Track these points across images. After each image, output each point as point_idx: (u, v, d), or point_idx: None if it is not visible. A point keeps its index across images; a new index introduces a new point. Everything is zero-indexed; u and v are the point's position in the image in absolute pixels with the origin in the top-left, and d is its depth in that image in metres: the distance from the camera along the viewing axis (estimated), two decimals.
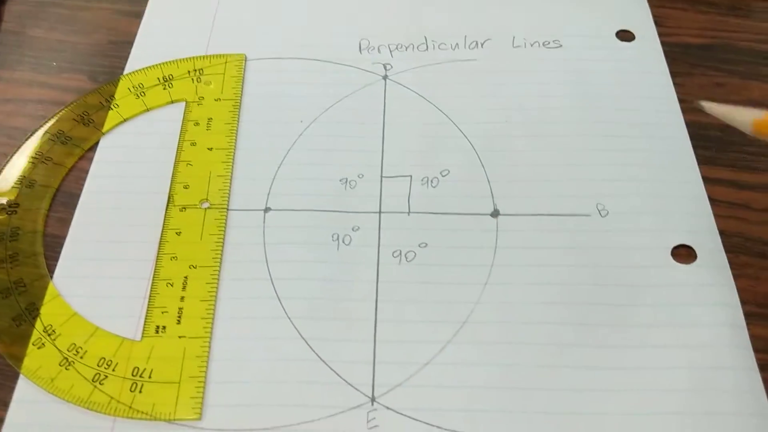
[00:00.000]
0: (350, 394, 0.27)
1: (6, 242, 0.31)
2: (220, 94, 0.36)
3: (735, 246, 0.30)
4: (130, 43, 0.39)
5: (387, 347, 0.28)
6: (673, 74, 0.37)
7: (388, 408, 0.27)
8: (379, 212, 0.32)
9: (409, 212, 0.32)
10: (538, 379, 0.27)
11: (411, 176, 0.33)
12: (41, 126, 0.35)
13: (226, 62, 0.37)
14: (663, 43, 0.38)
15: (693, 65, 0.37)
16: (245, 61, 0.38)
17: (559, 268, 0.30)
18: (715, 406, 0.26)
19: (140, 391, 0.27)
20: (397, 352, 0.28)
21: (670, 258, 0.30)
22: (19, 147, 0.34)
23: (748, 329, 0.28)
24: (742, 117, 0.26)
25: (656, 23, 0.39)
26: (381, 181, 0.33)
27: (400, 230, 0.31)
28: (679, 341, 0.28)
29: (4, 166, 0.33)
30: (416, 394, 0.27)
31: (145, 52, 0.38)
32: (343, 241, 0.31)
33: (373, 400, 0.27)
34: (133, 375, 0.27)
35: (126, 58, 0.38)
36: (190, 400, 0.27)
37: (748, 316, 0.28)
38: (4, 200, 0.32)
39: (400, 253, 0.31)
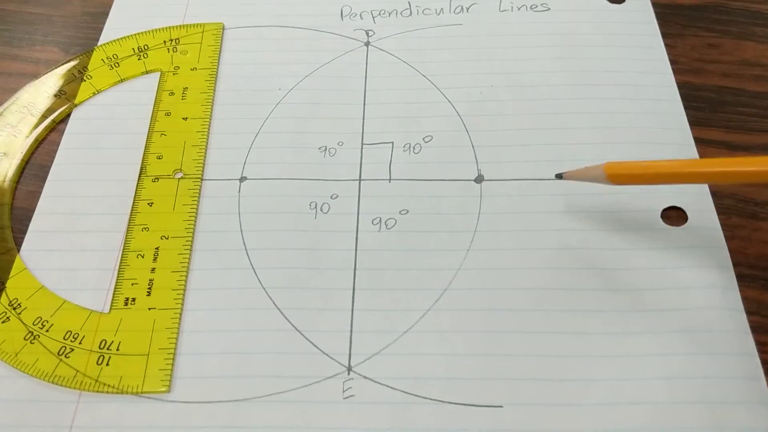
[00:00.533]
0: (326, 364, 0.26)
1: None
2: (197, 63, 0.35)
3: (727, 207, 0.29)
4: (106, 14, 0.37)
5: (365, 316, 0.27)
6: (665, 35, 0.35)
7: (364, 377, 0.26)
8: (359, 180, 0.31)
9: (390, 179, 0.31)
10: (521, 346, 0.26)
11: (393, 143, 0.32)
12: (11, 98, 0.34)
13: (203, 31, 0.36)
14: (654, 4, 0.37)
15: (684, 26, 0.36)
16: (223, 30, 0.36)
17: (545, 233, 0.29)
18: (706, 369, 0.25)
19: (107, 364, 0.26)
20: (375, 321, 0.27)
21: (660, 221, 0.29)
22: None
23: (740, 291, 0.27)
24: (596, 171, 0.26)
25: None
26: (362, 148, 0.32)
27: (380, 197, 0.30)
28: (670, 305, 0.26)
29: None
30: (394, 363, 0.26)
31: (121, 23, 0.37)
32: (321, 210, 0.30)
33: (349, 369, 0.26)
34: (100, 348, 0.26)
35: (101, 30, 0.37)
36: (159, 372, 0.26)
37: (740, 277, 0.27)
38: None
39: (380, 221, 0.29)
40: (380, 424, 0.25)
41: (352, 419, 0.25)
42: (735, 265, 0.27)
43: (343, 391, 0.25)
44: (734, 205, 0.29)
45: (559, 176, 0.28)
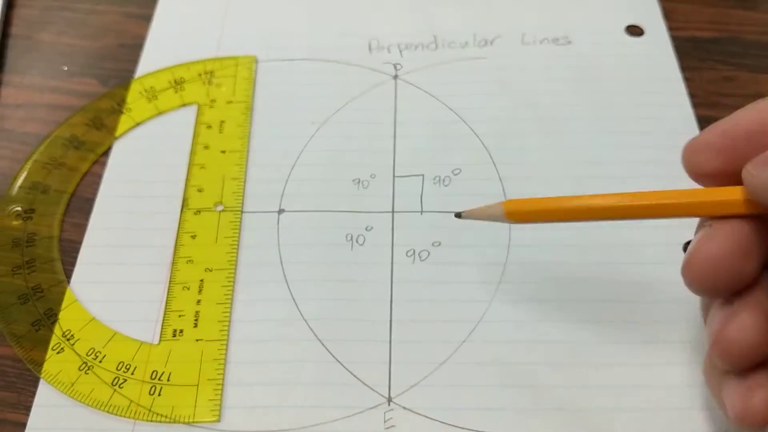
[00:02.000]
0: (367, 395, 0.27)
1: (23, 248, 0.31)
2: (232, 96, 0.36)
3: None
4: (141, 47, 0.39)
5: (403, 347, 0.28)
6: (683, 68, 0.37)
7: (404, 408, 0.27)
8: (392, 212, 0.32)
9: (421, 211, 0.32)
10: (551, 377, 0.27)
11: (423, 175, 0.33)
12: (54, 131, 0.35)
13: (237, 64, 0.37)
14: (672, 37, 0.38)
15: (702, 59, 0.37)
16: (256, 63, 0.38)
17: (571, 265, 0.30)
18: None
19: (159, 394, 0.27)
20: (413, 352, 0.28)
21: (682, 253, 0.30)
22: (32, 153, 0.34)
23: None
24: (494, 209, 0.25)
25: (665, 17, 0.39)
26: (393, 180, 0.33)
27: (413, 229, 0.32)
28: (692, 337, 0.28)
29: (19, 172, 0.33)
30: (432, 394, 0.27)
31: (156, 55, 0.38)
32: (357, 241, 0.31)
33: (389, 400, 0.27)
34: (151, 378, 0.28)
35: (136, 62, 0.38)
36: (208, 403, 0.27)
37: None
38: (19, 207, 0.32)
39: (414, 252, 0.31)
40: None
41: None
42: None
43: (384, 422, 0.27)
44: None
45: (458, 215, 0.27)
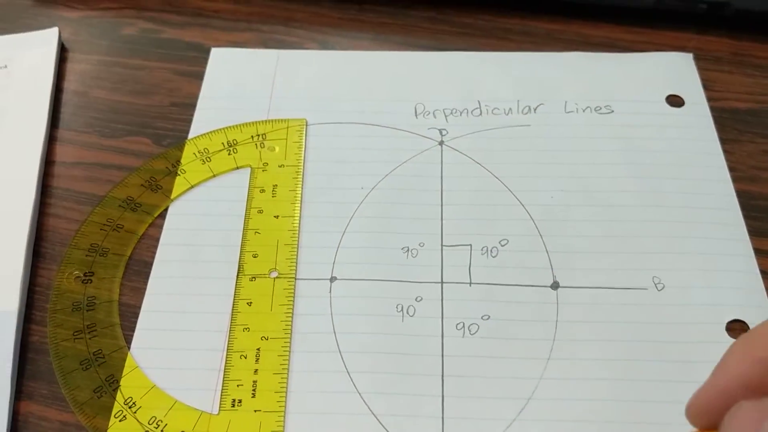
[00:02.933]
0: None
1: (83, 312, 0.32)
2: (284, 159, 0.37)
3: None
4: (192, 105, 0.40)
5: (455, 423, 0.29)
6: (722, 141, 0.38)
7: None
8: (441, 282, 0.33)
9: (470, 283, 0.33)
10: None
11: (471, 245, 0.34)
12: (109, 191, 0.36)
13: (287, 127, 0.38)
14: (711, 108, 0.39)
15: (741, 131, 0.38)
16: (306, 126, 0.39)
17: (618, 343, 0.31)
18: None
19: None
20: (465, 430, 0.29)
21: (725, 333, 0.31)
22: (89, 214, 0.35)
23: None
24: None
25: (704, 87, 0.40)
26: (442, 250, 0.34)
27: (462, 301, 0.32)
28: None
29: (77, 233, 0.34)
30: None
31: (208, 114, 0.39)
32: (408, 312, 0.32)
33: None
34: None
35: (188, 121, 0.39)
36: None
37: None
38: (78, 270, 0.33)
39: (464, 326, 0.32)
40: None
41: None
42: None
43: None
44: None
45: None
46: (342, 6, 0.45)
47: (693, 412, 0.23)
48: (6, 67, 0.41)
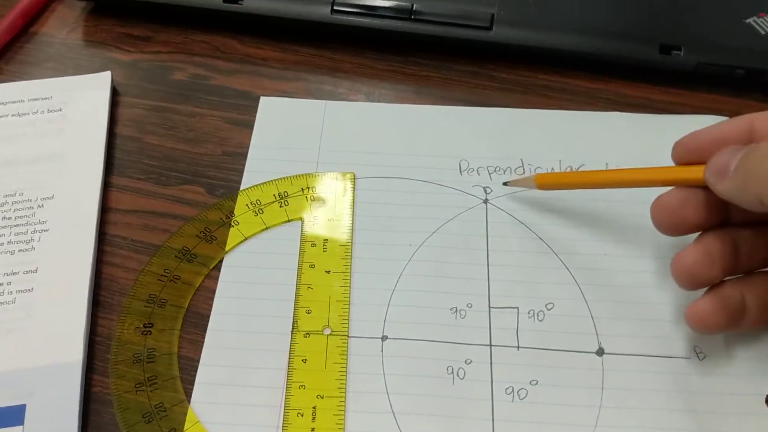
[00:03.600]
0: None
1: (143, 364, 0.33)
2: (333, 213, 0.38)
3: None
4: (242, 155, 0.41)
5: None
6: None
7: None
8: (490, 345, 0.34)
9: (518, 347, 0.34)
10: None
11: (518, 308, 0.35)
12: (166, 242, 0.37)
13: (337, 180, 0.39)
14: None
15: None
16: (354, 179, 0.40)
17: (661, 411, 0.32)
18: None
19: None
20: None
21: (764, 405, 0.32)
22: (146, 264, 0.36)
23: None
24: (528, 181, 0.37)
25: None
26: (489, 311, 0.35)
27: (511, 365, 0.33)
28: None
29: (135, 283, 0.35)
30: None
31: (258, 165, 0.41)
32: (458, 375, 0.33)
33: None
34: None
35: (239, 170, 0.40)
36: None
37: None
38: (138, 322, 0.34)
39: (513, 390, 0.33)
40: None
41: None
42: None
43: None
44: None
45: (505, 183, 0.38)
46: (386, 58, 0.46)
47: (681, 148, 0.32)
48: (61, 110, 0.42)
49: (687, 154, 0.31)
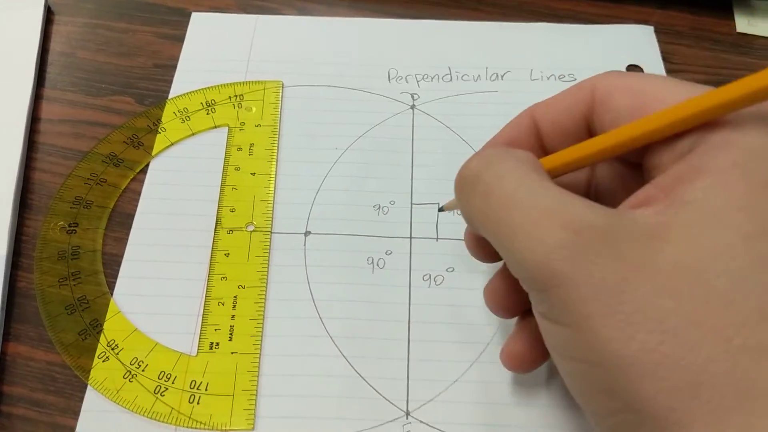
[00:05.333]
0: (387, 409, 0.30)
1: (68, 260, 0.34)
2: (260, 120, 0.39)
3: None
4: (173, 67, 0.41)
5: (419, 365, 0.31)
6: None
7: (421, 421, 0.30)
8: (410, 238, 0.35)
9: (437, 238, 0.35)
10: (553, 397, 0.30)
11: (438, 203, 0.36)
12: (93, 147, 0.38)
13: (264, 88, 0.40)
14: (667, 71, 0.41)
15: None
16: (282, 87, 0.40)
17: None
18: None
19: (198, 403, 0.30)
20: (429, 370, 0.31)
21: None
22: (74, 168, 0.37)
23: None
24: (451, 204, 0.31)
25: (663, 59, 0.42)
26: (411, 207, 0.36)
27: (429, 255, 0.34)
28: None
29: (62, 186, 0.36)
30: (446, 409, 0.30)
31: (188, 76, 0.41)
32: (378, 265, 0.34)
33: (407, 414, 0.30)
34: (191, 387, 0.30)
35: (169, 82, 0.41)
36: (243, 412, 0.30)
37: None
38: (63, 221, 0.35)
39: (430, 277, 0.34)
40: None
41: None
42: None
43: None
44: None
45: (441, 209, 0.34)
46: None
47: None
48: None
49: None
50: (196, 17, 0.44)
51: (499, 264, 0.29)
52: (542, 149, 0.26)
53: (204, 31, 0.43)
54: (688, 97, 0.21)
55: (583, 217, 0.20)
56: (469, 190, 0.24)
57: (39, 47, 0.42)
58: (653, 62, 0.42)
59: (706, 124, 0.20)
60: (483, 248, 0.28)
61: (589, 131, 0.25)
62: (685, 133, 0.21)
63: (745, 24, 0.44)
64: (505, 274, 0.27)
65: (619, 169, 0.26)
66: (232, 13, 0.44)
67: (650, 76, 0.23)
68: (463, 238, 0.29)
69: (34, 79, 0.40)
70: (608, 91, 0.24)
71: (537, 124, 0.26)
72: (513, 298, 0.26)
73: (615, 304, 0.19)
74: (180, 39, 0.43)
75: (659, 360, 0.18)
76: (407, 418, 0.30)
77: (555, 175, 0.25)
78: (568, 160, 0.24)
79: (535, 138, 0.26)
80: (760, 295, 0.18)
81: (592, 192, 0.27)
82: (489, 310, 0.28)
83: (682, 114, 0.21)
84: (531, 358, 0.27)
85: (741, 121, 0.20)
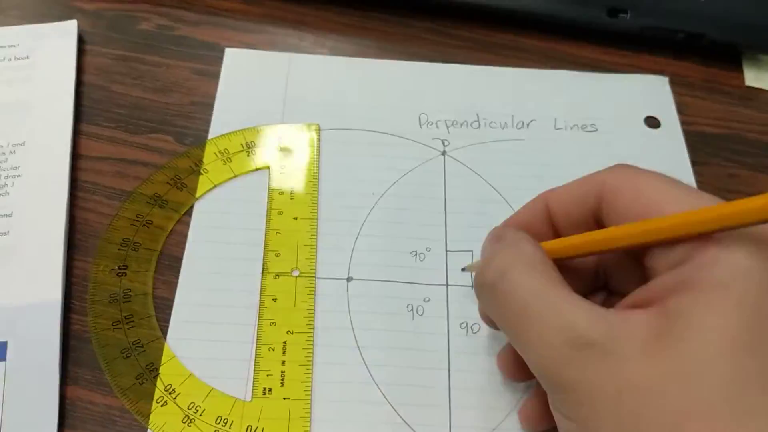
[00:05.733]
0: None
1: (120, 304, 0.35)
2: (300, 163, 0.40)
3: None
4: (209, 105, 0.42)
5: (461, 413, 0.33)
6: (693, 162, 0.42)
7: None
8: (446, 285, 0.37)
9: (472, 286, 0.37)
10: None
11: (472, 251, 0.38)
12: (137, 188, 0.39)
13: (302, 131, 0.41)
14: (683, 131, 0.43)
15: (710, 154, 0.43)
16: (319, 131, 0.42)
17: None
18: None
19: None
20: (471, 417, 0.33)
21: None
22: (119, 209, 0.38)
23: None
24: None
25: (678, 111, 0.44)
26: (446, 255, 0.38)
27: (465, 303, 0.36)
28: None
29: (109, 228, 0.37)
30: None
31: (226, 116, 0.42)
32: (417, 312, 0.36)
33: None
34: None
35: (207, 120, 0.42)
36: None
37: None
38: (113, 264, 0.36)
39: (467, 325, 0.36)
40: None
41: None
42: None
43: None
44: None
45: (464, 269, 0.37)
46: (348, 12, 0.48)
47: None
48: (28, 57, 0.43)
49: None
50: (229, 53, 0.45)
51: None
52: (553, 232, 0.30)
53: (238, 68, 0.44)
54: (687, 208, 0.23)
55: (586, 333, 0.23)
56: (487, 298, 0.28)
57: (75, 80, 0.42)
58: (669, 113, 0.44)
59: (701, 237, 0.23)
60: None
61: (597, 223, 0.28)
62: (681, 242, 0.24)
63: (753, 78, 0.47)
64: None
65: (624, 259, 0.29)
66: (263, 49, 0.45)
67: (657, 178, 0.26)
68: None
69: (74, 113, 0.41)
70: (615, 190, 0.27)
71: (549, 209, 0.29)
72: (523, 369, 0.29)
73: (610, 410, 0.22)
74: (214, 75, 0.44)
75: None
76: None
77: (560, 257, 0.28)
78: (570, 246, 0.27)
79: (546, 222, 0.30)
80: (740, 399, 0.21)
81: (600, 273, 0.30)
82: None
83: (676, 224, 0.24)
84: (545, 420, 0.30)
85: (733, 240, 0.22)
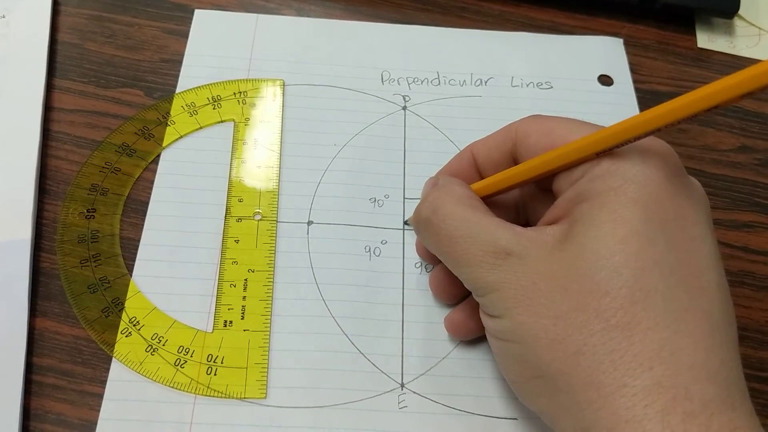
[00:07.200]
0: (384, 381, 0.34)
1: (88, 243, 0.37)
2: (264, 116, 0.42)
3: None
4: (178, 62, 0.44)
5: (412, 343, 0.35)
6: None
7: (414, 392, 0.34)
8: (403, 229, 0.39)
9: None
10: None
11: None
12: (107, 138, 0.40)
13: (267, 86, 0.43)
14: (636, 89, 0.45)
15: None
16: (283, 86, 0.43)
17: None
18: None
19: (215, 374, 0.33)
20: (421, 348, 0.35)
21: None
22: (89, 157, 0.39)
23: None
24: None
25: (631, 70, 0.46)
26: (404, 201, 0.40)
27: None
28: None
29: (78, 174, 0.39)
30: (436, 382, 0.34)
31: (193, 71, 0.44)
32: (374, 253, 0.38)
33: (402, 385, 0.34)
34: (208, 361, 0.34)
35: (175, 76, 0.43)
36: (256, 383, 0.33)
37: None
38: (82, 208, 0.37)
39: (421, 264, 0.37)
40: (427, 429, 0.33)
41: (405, 425, 0.33)
42: None
43: (398, 403, 0.33)
44: None
45: (406, 223, 0.39)
46: None
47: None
48: (4, 17, 0.44)
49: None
50: (199, 14, 0.46)
51: None
52: (479, 176, 0.34)
53: (207, 28, 0.46)
54: (584, 135, 0.27)
55: (506, 245, 0.27)
56: (423, 230, 0.31)
57: (49, 37, 0.44)
58: (622, 73, 0.46)
59: (595, 156, 0.27)
60: (429, 255, 0.35)
61: (514, 163, 0.31)
62: (579, 164, 0.27)
63: (705, 40, 0.49)
64: (445, 268, 0.32)
65: (538, 193, 0.33)
66: (232, 11, 0.47)
67: (561, 119, 0.30)
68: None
69: (46, 69, 0.42)
70: (526, 132, 0.31)
71: (475, 157, 0.34)
72: (454, 287, 0.34)
73: (527, 300, 0.26)
74: (184, 34, 0.45)
75: (553, 337, 0.25)
76: (402, 390, 0.34)
77: (487, 195, 0.32)
78: (492, 183, 0.32)
79: (474, 168, 0.34)
80: (633, 284, 0.24)
81: (521, 209, 0.34)
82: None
83: (573, 148, 0.27)
84: (467, 327, 0.34)
85: (622, 153, 0.26)
